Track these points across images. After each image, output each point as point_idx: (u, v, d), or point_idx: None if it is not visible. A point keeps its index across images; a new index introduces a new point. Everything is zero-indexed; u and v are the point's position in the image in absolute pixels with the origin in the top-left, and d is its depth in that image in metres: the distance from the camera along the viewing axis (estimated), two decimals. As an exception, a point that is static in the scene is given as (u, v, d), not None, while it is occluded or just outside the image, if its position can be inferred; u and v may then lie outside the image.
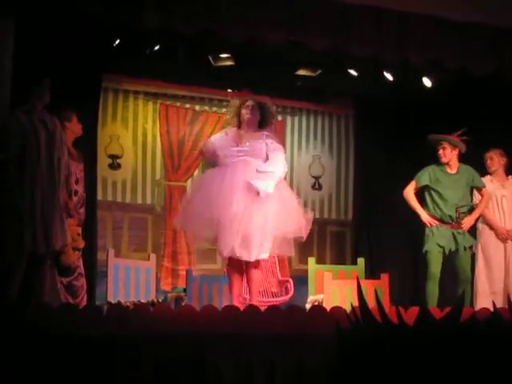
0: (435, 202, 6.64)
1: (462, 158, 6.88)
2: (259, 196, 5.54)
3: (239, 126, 5.88)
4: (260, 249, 5.62)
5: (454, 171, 6.73)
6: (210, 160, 5.95)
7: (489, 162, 6.89)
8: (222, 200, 5.54)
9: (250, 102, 5.87)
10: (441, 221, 6.58)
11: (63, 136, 5.49)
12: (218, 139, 5.90)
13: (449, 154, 6.69)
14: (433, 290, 6.49)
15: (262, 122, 5.89)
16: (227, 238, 5.53)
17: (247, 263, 5.71)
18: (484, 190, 6.78)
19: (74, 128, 6.35)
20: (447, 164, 6.71)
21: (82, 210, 6.48)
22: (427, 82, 7.60)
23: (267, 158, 5.78)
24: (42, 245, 5.12)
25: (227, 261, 5.81)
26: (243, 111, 5.84)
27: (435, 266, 6.54)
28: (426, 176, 6.72)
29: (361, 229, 8.87)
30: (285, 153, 6.12)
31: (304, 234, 5.81)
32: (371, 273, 7.82)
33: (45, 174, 5.18)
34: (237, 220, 5.51)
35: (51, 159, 5.24)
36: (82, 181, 6.45)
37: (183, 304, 6.66)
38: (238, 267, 5.76)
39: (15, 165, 5.09)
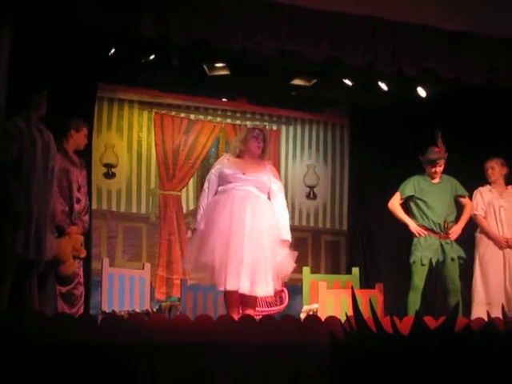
0: (422, 211, 6.63)
1: (459, 168, 6.91)
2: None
3: (239, 155, 5.88)
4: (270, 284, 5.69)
5: (437, 181, 6.75)
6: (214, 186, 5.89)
7: (490, 171, 6.88)
8: (234, 235, 5.57)
9: (259, 134, 5.88)
10: (430, 230, 6.58)
11: (55, 148, 5.48)
12: (226, 165, 5.85)
13: (442, 168, 6.73)
14: (415, 300, 6.47)
15: (263, 150, 5.93)
16: (238, 272, 5.53)
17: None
18: (467, 198, 6.80)
19: (79, 140, 6.30)
20: (436, 178, 6.75)
21: (86, 218, 6.40)
22: (422, 91, 7.62)
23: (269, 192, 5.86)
24: (33, 252, 5.11)
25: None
26: (253, 143, 5.84)
27: (419, 277, 6.53)
28: (410, 186, 6.72)
29: (355, 238, 8.88)
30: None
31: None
32: (366, 282, 7.83)
33: (40, 181, 5.18)
34: (249, 255, 5.54)
35: (46, 167, 5.24)
36: (84, 188, 6.40)
37: (178, 313, 6.64)
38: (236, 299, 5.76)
39: (12, 169, 5.09)
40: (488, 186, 6.91)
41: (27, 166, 5.13)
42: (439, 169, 6.70)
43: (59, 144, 5.82)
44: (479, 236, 6.86)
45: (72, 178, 6.15)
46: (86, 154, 7.43)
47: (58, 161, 5.49)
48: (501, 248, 6.73)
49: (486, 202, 6.83)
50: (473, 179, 6.99)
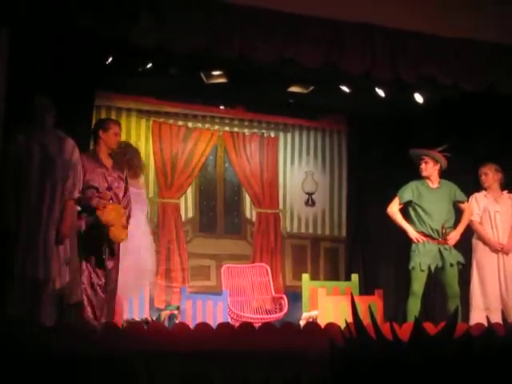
0: (420, 217, 6.62)
1: (456, 173, 6.92)
2: None
3: None
4: None
5: (435, 186, 6.74)
6: None
7: (483, 177, 6.87)
8: None
9: None
10: (428, 236, 6.57)
11: (74, 157, 5.43)
12: None
13: (430, 168, 6.71)
14: (414, 306, 6.45)
15: None
16: None
17: None
18: (466, 203, 6.79)
19: (108, 140, 6.09)
20: (428, 178, 6.73)
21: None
22: (419, 98, 7.63)
23: None
24: (38, 271, 5.11)
25: None
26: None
27: (418, 283, 6.51)
28: (409, 192, 6.72)
29: (354, 245, 8.88)
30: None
31: None
32: (365, 289, 7.82)
33: (34, 199, 5.16)
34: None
35: (43, 184, 5.21)
36: (115, 191, 6.09)
37: (177, 322, 6.64)
38: None
39: (9, 189, 5.10)
40: (484, 191, 6.90)
41: (21, 186, 5.13)
42: (425, 166, 6.70)
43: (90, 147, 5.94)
44: (476, 242, 6.85)
45: (88, 180, 5.90)
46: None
47: (71, 175, 5.40)
48: (496, 252, 6.72)
49: (482, 208, 6.82)
50: (471, 185, 6.99)
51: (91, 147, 7.61)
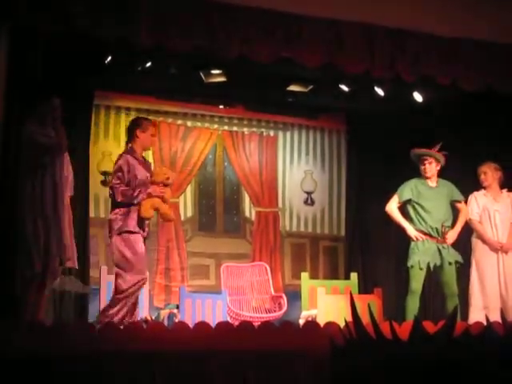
0: (420, 215, 6.63)
1: (455, 172, 6.93)
2: None
3: None
4: None
5: (434, 185, 6.75)
6: None
7: (482, 176, 6.86)
8: None
9: None
10: (427, 234, 6.58)
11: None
12: None
13: (433, 168, 6.72)
14: (413, 304, 6.45)
15: None
16: None
17: None
18: (463, 203, 6.80)
19: (145, 140, 6.04)
20: (429, 178, 6.74)
21: None
22: (418, 97, 7.63)
23: None
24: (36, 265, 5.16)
25: None
26: None
27: (417, 281, 6.51)
28: (408, 190, 6.72)
29: (353, 243, 8.89)
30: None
31: None
32: (364, 287, 7.83)
33: (49, 206, 5.24)
34: None
35: (56, 182, 5.31)
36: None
37: (176, 321, 6.64)
38: None
39: (22, 189, 5.17)
40: (483, 190, 6.90)
41: (32, 185, 5.26)
42: (429, 166, 6.70)
43: (126, 144, 5.97)
44: (475, 241, 6.85)
45: (136, 174, 5.87)
46: (83, 162, 7.48)
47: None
48: (495, 251, 6.72)
49: (481, 207, 6.82)
50: (470, 184, 6.99)
51: (89, 147, 7.77)
